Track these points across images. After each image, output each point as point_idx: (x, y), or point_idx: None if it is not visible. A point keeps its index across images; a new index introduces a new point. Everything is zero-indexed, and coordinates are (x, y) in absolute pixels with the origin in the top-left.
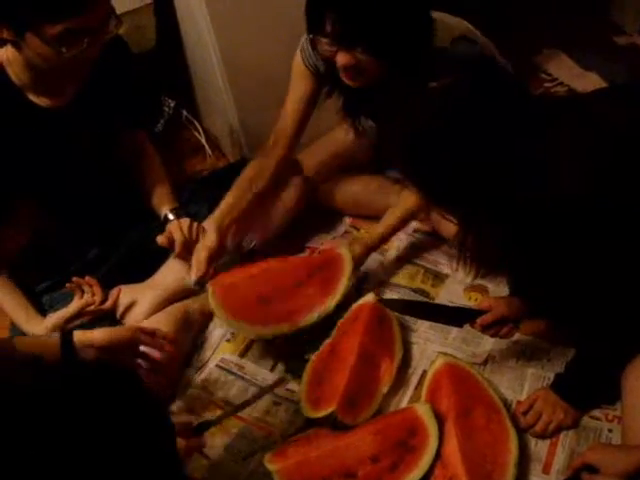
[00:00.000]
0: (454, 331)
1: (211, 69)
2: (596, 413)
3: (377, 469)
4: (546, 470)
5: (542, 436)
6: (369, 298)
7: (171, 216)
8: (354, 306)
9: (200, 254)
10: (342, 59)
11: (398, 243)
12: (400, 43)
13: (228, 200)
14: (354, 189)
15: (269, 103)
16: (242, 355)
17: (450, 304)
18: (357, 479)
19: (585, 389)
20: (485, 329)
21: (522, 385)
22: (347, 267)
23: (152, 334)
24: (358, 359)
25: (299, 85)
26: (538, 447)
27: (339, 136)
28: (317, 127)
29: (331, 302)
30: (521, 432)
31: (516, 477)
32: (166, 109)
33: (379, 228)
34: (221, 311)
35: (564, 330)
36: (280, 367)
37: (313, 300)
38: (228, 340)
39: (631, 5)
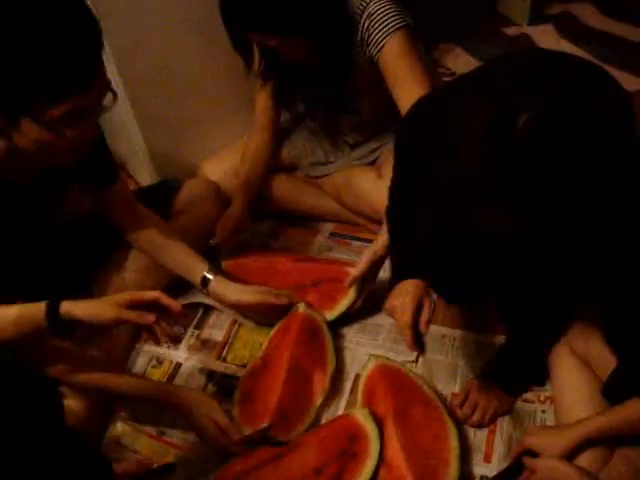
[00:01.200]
0: (383, 332)
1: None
2: (528, 396)
3: None
4: (487, 459)
5: (480, 425)
6: (299, 309)
7: (210, 276)
8: (285, 318)
9: (227, 222)
10: (271, 42)
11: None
12: (318, 20)
13: (246, 174)
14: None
15: (175, 124)
16: (170, 379)
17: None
18: None
19: (515, 373)
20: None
21: (455, 378)
22: (353, 290)
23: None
24: (289, 373)
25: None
26: (477, 437)
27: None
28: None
29: (327, 316)
30: (460, 424)
31: (460, 469)
32: None
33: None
34: None
35: (488, 319)
36: (211, 388)
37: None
38: (154, 366)
39: None
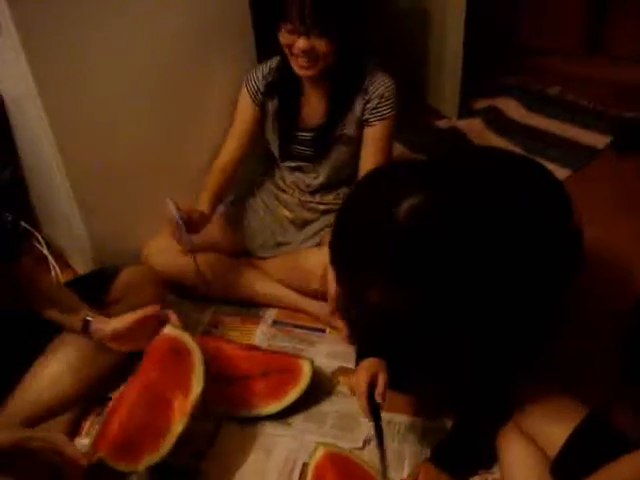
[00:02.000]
0: (329, 419)
1: (51, 175)
2: (475, 479)
3: None
4: None
5: None
6: (165, 329)
7: (90, 317)
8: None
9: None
10: (301, 44)
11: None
12: (349, 27)
13: (212, 184)
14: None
15: (117, 206)
16: None
17: None
18: None
19: (464, 457)
20: None
21: (403, 463)
22: (303, 382)
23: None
24: (140, 397)
25: (242, 114)
26: None
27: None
28: None
29: (273, 408)
30: None
31: None
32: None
33: None
34: None
35: (434, 405)
36: None
37: (258, 397)
38: None
39: (448, 92)
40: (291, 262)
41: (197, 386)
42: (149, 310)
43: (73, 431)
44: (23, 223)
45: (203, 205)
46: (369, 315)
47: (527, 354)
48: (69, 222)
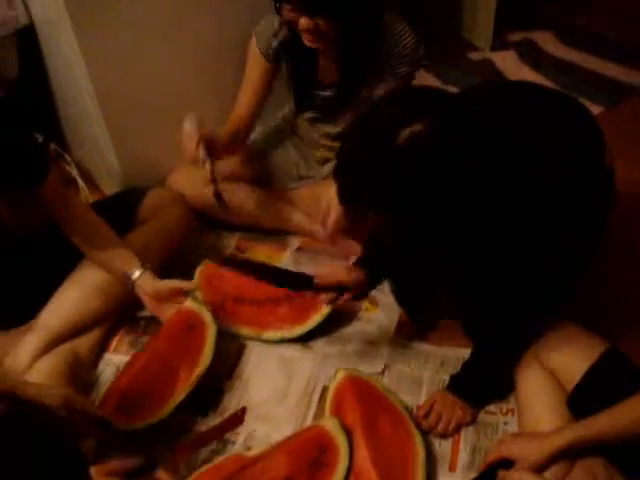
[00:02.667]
0: (350, 344)
1: (82, 100)
2: (491, 408)
3: None
4: (452, 468)
5: (444, 435)
6: (185, 303)
7: (136, 271)
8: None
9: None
10: (304, 23)
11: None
12: (356, 8)
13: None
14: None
15: (146, 132)
16: None
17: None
18: None
19: (480, 386)
20: (322, 294)
21: (420, 389)
22: (327, 307)
23: None
24: (147, 363)
25: (253, 70)
26: (442, 447)
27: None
28: None
29: (297, 331)
30: (425, 434)
31: (426, 478)
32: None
33: None
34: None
35: (453, 332)
36: None
37: (282, 320)
38: None
39: (481, 24)
40: (313, 192)
41: (203, 363)
42: (187, 285)
43: (102, 346)
44: (53, 145)
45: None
46: (371, 238)
47: (549, 289)
48: (98, 145)
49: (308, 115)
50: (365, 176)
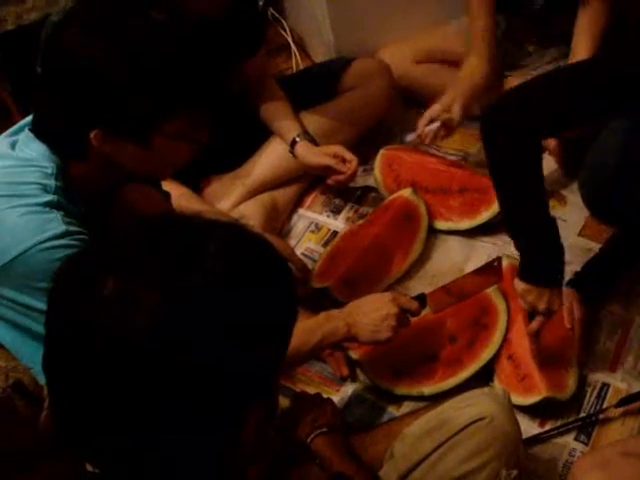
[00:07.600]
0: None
1: None
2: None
3: (456, 349)
4: (612, 368)
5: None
6: (405, 192)
7: (298, 139)
8: (389, 197)
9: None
10: None
11: None
12: None
13: (483, 24)
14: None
15: (361, 6)
16: (325, 245)
17: None
18: (438, 360)
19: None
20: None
21: None
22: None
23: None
24: (370, 247)
25: None
26: (606, 345)
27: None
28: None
29: (465, 224)
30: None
31: (580, 373)
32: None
33: None
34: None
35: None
36: None
37: (452, 212)
38: (312, 231)
39: None
40: None
41: (416, 251)
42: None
43: (297, 202)
44: (271, 9)
45: None
46: None
47: None
48: (314, 12)
49: None
50: None
